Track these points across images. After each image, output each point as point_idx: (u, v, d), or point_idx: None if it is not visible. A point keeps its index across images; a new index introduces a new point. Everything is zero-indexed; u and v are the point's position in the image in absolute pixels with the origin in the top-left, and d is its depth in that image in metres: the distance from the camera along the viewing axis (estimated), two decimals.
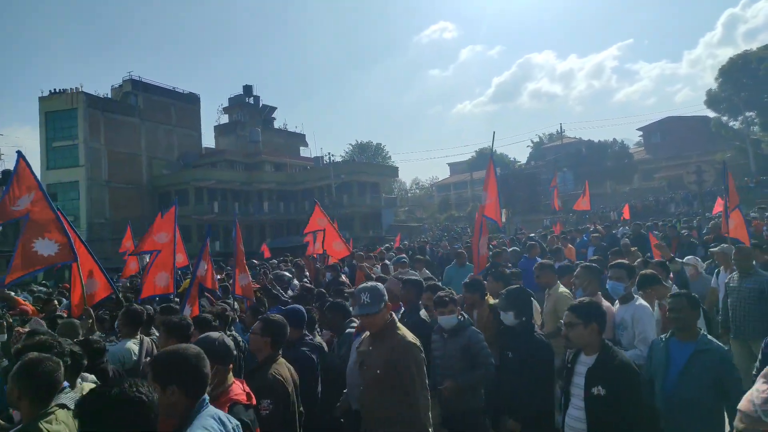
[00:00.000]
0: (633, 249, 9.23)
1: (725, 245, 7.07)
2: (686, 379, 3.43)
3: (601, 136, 75.17)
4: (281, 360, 3.48)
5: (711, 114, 49.51)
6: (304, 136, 62.17)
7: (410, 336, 3.37)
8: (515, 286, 4.55)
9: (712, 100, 47.63)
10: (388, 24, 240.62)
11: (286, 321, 3.63)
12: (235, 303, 7.27)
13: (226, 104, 56.87)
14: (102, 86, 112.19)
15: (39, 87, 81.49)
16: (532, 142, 72.01)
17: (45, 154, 40.66)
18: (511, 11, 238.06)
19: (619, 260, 5.66)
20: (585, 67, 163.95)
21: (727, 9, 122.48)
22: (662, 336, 3.83)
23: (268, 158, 51.77)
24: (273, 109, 59.15)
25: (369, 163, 60.96)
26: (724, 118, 48.63)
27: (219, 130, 56.46)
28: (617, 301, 4.72)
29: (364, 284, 3.55)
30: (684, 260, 7.45)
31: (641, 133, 57.06)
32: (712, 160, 39.81)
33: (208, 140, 54.82)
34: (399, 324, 3.47)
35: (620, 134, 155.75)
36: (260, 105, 57.44)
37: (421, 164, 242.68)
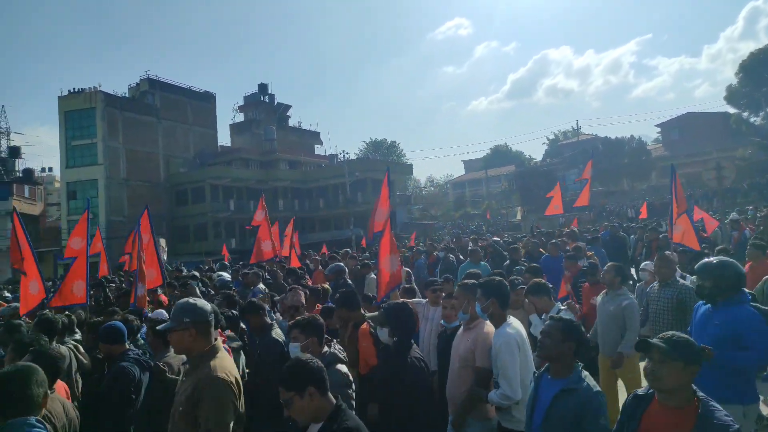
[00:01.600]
0: (590, 253, 9.42)
1: (668, 252, 6.77)
2: (548, 424, 2.95)
3: (619, 133, 74.32)
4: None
5: (731, 110, 48.73)
6: (318, 134, 62.39)
7: (221, 370, 2.81)
8: (397, 303, 4.21)
9: (732, 95, 46.79)
10: (402, 22, 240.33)
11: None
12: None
13: (241, 103, 57.33)
14: (119, 85, 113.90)
15: (58, 87, 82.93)
16: (548, 139, 71.55)
17: (64, 153, 41.31)
18: (527, 7, 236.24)
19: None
20: (602, 63, 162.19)
21: (749, 2, 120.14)
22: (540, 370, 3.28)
23: (283, 156, 52.04)
24: (288, 107, 59.42)
25: (383, 160, 60.97)
26: (745, 114, 47.79)
27: (234, 128, 56.87)
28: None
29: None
30: (642, 266, 7.22)
31: (659, 129, 56.26)
32: (732, 156, 39.18)
33: (224, 138, 55.31)
34: (219, 355, 2.93)
35: (638, 131, 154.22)
36: (275, 103, 57.72)
37: (435, 161, 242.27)
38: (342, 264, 8.70)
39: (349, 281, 7.96)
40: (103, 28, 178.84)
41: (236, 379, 2.91)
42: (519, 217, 46.78)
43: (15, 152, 47.35)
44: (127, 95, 45.13)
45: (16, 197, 39.81)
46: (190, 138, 48.21)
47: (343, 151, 47.95)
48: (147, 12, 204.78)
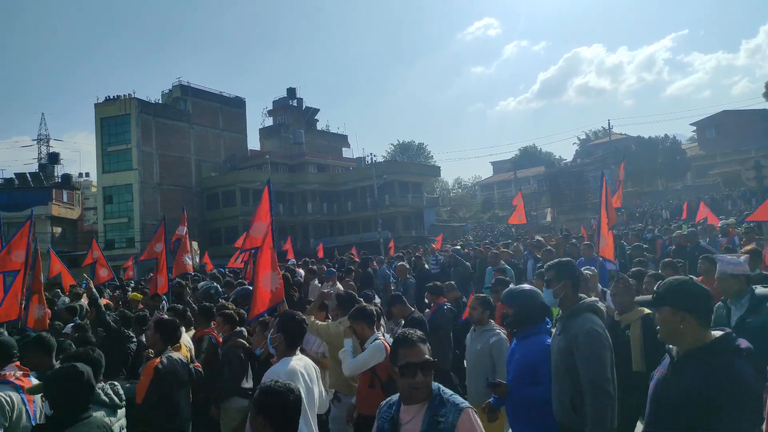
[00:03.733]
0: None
1: (588, 268, 6.32)
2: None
3: (652, 132, 72.59)
4: None
5: None
6: (346, 137, 62.78)
7: None
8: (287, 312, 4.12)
9: None
10: (430, 23, 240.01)
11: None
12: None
13: (270, 107, 58.14)
14: (153, 91, 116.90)
15: (95, 94, 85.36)
16: (579, 139, 70.35)
17: (101, 159, 42.56)
18: (559, 5, 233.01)
19: None
20: (635, 60, 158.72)
21: None
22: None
23: (312, 159, 52.54)
24: (316, 111, 60.00)
25: (411, 162, 60.94)
26: None
27: (264, 132, 57.68)
28: None
29: None
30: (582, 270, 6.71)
31: (695, 128, 54.79)
32: None
33: (254, 143, 56.15)
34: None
35: (672, 130, 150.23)
36: (303, 107, 58.36)
37: (463, 163, 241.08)
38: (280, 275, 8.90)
39: None
40: (138, 36, 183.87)
41: None
42: (549, 218, 46.14)
43: (54, 158, 49.01)
44: (160, 101, 46.26)
45: (55, 202, 41.20)
46: (221, 142, 49.12)
47: (371, 154, 48.12)
48: (179, 19, 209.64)
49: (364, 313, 4.25)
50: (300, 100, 58.18)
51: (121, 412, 3.29)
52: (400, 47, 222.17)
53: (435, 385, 2.42)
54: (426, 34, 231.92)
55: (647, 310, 4.11)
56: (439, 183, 76.15)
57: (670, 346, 2.39)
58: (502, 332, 4.47)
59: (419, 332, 2.52)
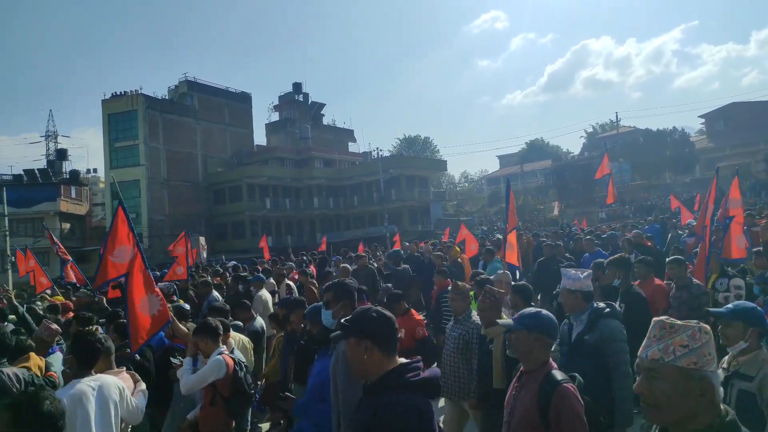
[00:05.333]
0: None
1: (501, 272, 6.14)
2: None
3: (660, 125, 71.99)
4: None
5: None
6: (352, 131, 62.78)
7: None
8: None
9: None
10: (436, 16, 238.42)
11: None
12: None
13: (276, 102, 58.17)
14: (159, 87, 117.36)
15: (102, 90, 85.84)
16: (586, 132, 69.87)
17: (108, 155, 42.77)
18: None
19: None
20: (643, 52, 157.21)
21: None
22: None
23: (318, 154, 52.58)
24: (322, 105, 60.00)
25: (417, 157, 60.85)
26: None
27: (270, 127, 57.74)
28: None
29: None
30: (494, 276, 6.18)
31: (703, 120, 54.28)
32: None
33: (260, 138, 56.23)
34: None
35: (680, 122, 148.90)
36: (309, 102, 58.35)
37: (469, 157, 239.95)
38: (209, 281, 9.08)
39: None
40: (144, 32, 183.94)
41: None
42: (556, 212, 45.95)
43: (62, 154, 49.28)
44: (166, 97, 46.37)
45: (64, 198, 41.47)
46: (227, 138, 49.22)
47: (377, 148, 47.93)
48: (185, 15, 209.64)
49: (208, 327, 4.08)
50: (306, 95, 58.17)
51: None
52: (406, 41, 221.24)
53: None
54: (432, 27, 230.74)
55: None
56: (446, 177, 75.98)
57: None
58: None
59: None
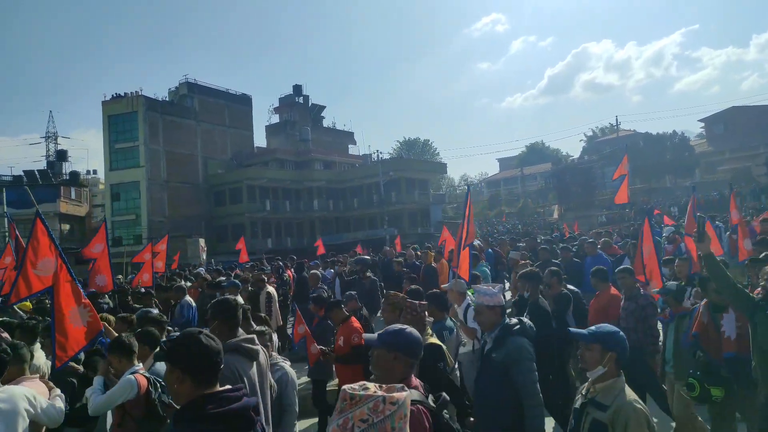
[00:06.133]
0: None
1: (455, 280, 5.99)
2: None
3: (660, 129, 72.13)
4: None
5: None
6: (352, 134, 62.83)
7: None
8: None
9: None
10: (437, 18, 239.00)
11: None
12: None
13: (276, 104, 58.22)
14: (160, 88, 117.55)
15: (102, 91, 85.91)
16: (586, 136, 69.99)
17: (108, 156, 42.74)
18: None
19: None
20: (643, 56, 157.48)
21: None
22: None
23: (318, 157, 52.60)
24: (322, 107, 60.05)
25: (417, 159, 60.89)
26: None
27: (270, 129, 57.77)
28: None
29: None
30: (451, 284, 6.00)
31: (703, 124, 54.37)
32: None
33: (260, 140, 56.26)
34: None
35: (680, 126, 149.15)
36: (309, 104, 58.42)
37: (469, 160, 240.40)
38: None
39: None
40: (144, 34, 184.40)
41: None
42: (556, 215, 45.97)
43: (62, 156, 49.30)
44: (167, 99, 46.39)
45: (64, 199, 41.45)
46: (228, 140, 49.23)
47: (377, 151, 48.13)
48: (185, 17, 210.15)
49: (121, 345, 3.85)
50: (306, 97, 58.23)
51: None
52: (406, 43, 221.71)
53: None
54: (432, 30, 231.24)
55: (432, 340, 3.98)
56: (446, 180, 76.04)
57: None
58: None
59: None
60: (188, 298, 8.42)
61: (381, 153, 51.21)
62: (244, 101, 51.57)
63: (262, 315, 6.66)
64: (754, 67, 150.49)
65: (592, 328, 2.80)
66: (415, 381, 2.52)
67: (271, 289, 9.37)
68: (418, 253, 11.19)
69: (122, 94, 43.04)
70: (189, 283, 10.99)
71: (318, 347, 5.70)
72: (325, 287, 10.02)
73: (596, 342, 2.70)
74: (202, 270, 15.83)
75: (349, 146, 61.29)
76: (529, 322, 3.80)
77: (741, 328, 4.02)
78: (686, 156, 46.49)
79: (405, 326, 2.61)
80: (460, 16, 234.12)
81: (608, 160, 48.85)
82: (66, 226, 41.61)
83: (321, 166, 52.30)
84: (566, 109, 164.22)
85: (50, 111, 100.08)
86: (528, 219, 47.87)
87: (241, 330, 3.41)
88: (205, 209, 45.70)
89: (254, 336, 3.51)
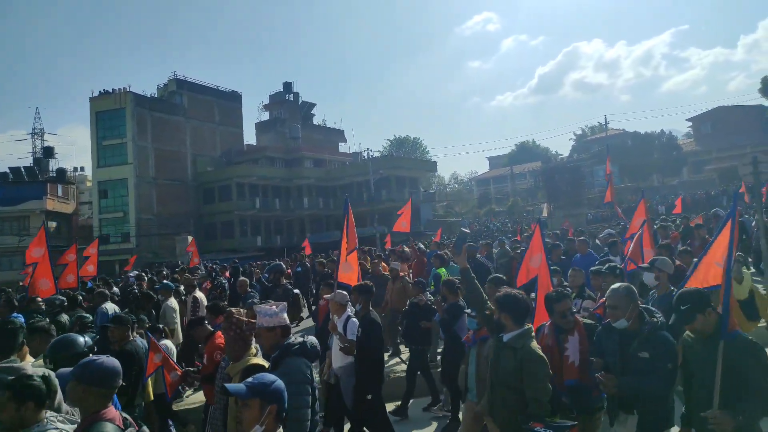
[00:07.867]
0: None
1: (338, 291, 5.94)
2: None
3: (648, 128, 72.76)
4: None
5: (766, 102, 47.27)
6: (342, 131, 62.78)
7: None
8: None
9: (767, 87, 45.37)
10: (428, 17, 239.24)
11: None
12: None
13: (266, 101, 58.01)
14: (148, 85, 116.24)
15: (89, 87, 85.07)
16: (575, 134, 70.31)
17: (96, 153, 42.32)
18: None
19: None
20: (632, 55, 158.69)
21: None
22: None
23: (308, 154, 52.46)
24: (312, 105, 59.90)
25: (407, 158, 60.90)
26: None
27: (260, 127, 57.54)
28: None
29: None
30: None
31: (690, 123, 54.90)
32: None
33: (250, 137, 56.02)
34: None
35: (668, 125, 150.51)
36: (300, 102, 58.24)
37: (460, 158, 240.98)
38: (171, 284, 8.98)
39: None
40: (133, 30, 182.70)
41: None
42: (545, 214, 46.18)
43: (49, 152, 48.75)
44: (155, 95, 46.00)
45: (50, 196, 40.98)
46: (217, 137, 48.95)
47: (367, 149, 48.08)
48: (175, 13, 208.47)
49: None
50: (296, 95, 58.05)
51: None
52: (397, 42, 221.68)
53: None
54: (424, 28, 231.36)
55: (256, 360, 3.61)
56: (436, 178, 76.13)
57: None
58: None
59: None
60: (106, 305, 7.82)
61: (371, 151, 51.20)
62: (234, 98, 51.27)
63: (160, 326, 6.41)
64: (741, 68, 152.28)
65: (250, 380, 2.31)
66: (113, 412, 2.51)
67: (200, 294, 9.03)
68: (375, 262, 10.79)
69: (110, 91, 42.63)
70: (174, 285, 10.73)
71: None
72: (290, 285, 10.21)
73: (255, 396, 2.24)
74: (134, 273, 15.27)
75: (339, 144, 61.25)
76: (311, 340, 3.44)
77: (584, 354, 3.77)
78: (674, 155, 46.87)
79: (98, 357, 2.58)
80: (452, 14, 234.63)
81: (596, 159, 49.21)
82: (53, 224, 41.12)
83: (311, 164, 52.18)
84: (556, 108, 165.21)
85: (37, 107, 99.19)
86: (517, 217, 48.06)
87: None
88: (194, 207, 45.42)
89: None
